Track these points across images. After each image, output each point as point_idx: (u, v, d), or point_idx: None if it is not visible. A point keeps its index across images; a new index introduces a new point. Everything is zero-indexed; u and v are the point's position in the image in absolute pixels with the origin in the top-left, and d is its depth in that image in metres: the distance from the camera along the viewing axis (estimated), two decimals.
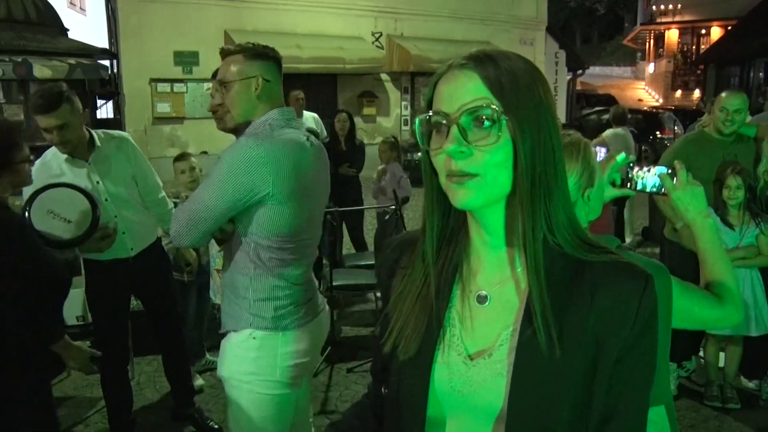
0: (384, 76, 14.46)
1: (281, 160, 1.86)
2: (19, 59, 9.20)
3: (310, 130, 6.11)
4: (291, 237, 1.95)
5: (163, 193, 3.20)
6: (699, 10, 25.68)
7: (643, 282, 0.84)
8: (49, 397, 2.43)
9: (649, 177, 1.66)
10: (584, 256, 0.85)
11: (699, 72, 25.21)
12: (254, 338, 1.96)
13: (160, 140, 11.76)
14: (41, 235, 2.44)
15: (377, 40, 14.23)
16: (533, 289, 0.83)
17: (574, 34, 40.36)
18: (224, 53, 2.02)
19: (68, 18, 11.92)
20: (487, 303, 0.90)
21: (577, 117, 18.69)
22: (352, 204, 5.68)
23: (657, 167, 1.65)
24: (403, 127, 14.99)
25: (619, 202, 6.60)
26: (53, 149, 2.80)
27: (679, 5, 26.69)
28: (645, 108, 19.95)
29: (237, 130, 2.01)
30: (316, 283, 2.21)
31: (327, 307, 2.24)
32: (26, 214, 2.49)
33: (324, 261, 5.32)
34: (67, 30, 10.97)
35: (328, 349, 4.20)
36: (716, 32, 25.09)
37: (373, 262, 5.08)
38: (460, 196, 0.82)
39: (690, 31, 27.27)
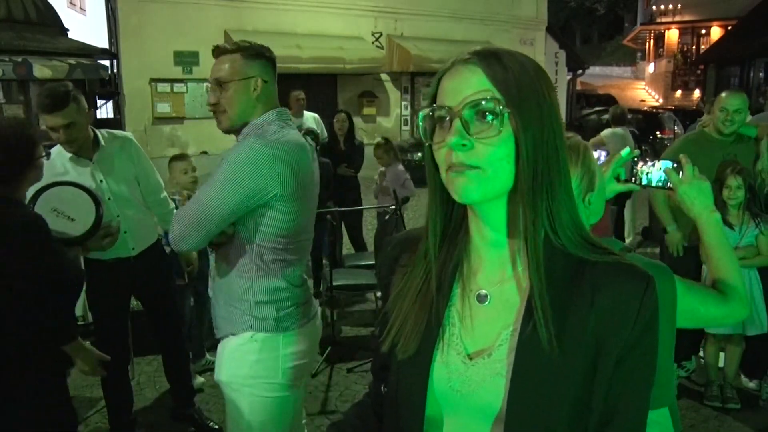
0: (384, 76, 14.46)
1: (287, 161, 1.86)
2: (19, 59, 9.21)
3: (311, 130, 6.13)
4: (293, 237, 1.95)
5: (165, 194, 3.21)
6: (699, 10, 25.68)
7: (645, 283, 0.84)
8: (65, 392, 2.45)
9: (654, 172, 1.63)
10: (587, 255, 0.85)
11: (699, 72, 25.20)
12: (255, 341, 1.94)
13: (160, 140, 11.76)
14: None
15: (377, 40, 14.23)
16: (534, 284, 0.83)
17: (574, 34, 40.35)
18: (219, 51, 1.98)
19: (68, 18, 11.93)
20: (487, 302, 0.90)
21: (577, 117, 18.69)
22: (351, 204, 5.69)
23: (662, 161, 1.62)
24: (403, 127, 14.99)
25: (619, 202, 6.60)
26: (58, 147, 2.81)
27: (679, 5, 26.69)
28: (645, 108, 19.95)
29: (232, 131, 1.99)
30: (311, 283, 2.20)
31: (319, 309, 2.23)
32: None
33: (324, 261, 5.34)
34: (67, 30, 10.98)
35: (328, 349, 4.21)
36: (716, 32, 25.09)
37: (372, 262, 5.08)
38: (460, 189, 0.82)
39: (690, 31, 27.27)
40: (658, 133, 13.59)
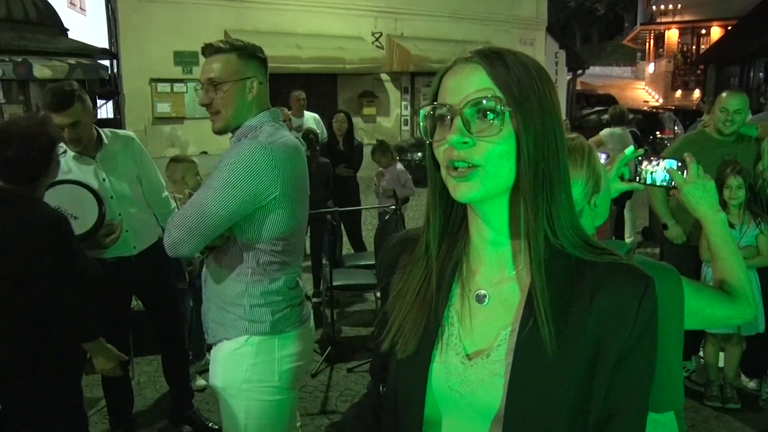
0: (384, 76, 14.45)
1: (285, 163, 1.85)
2: (19, 59, 9.21)
3: (311, 130, 6.13)
4: (289, 239, 1.94)
5: (167, 193, 3.21)
6: (699, 10, 25.67)
7: (644, 284, 0.84)
8: (80, 393, 2.49)
9: (658, 171, 1.61)
10: (585, 256, 0.85)
11: (699, 72, 25.20)
12: (250, 345, 1.92)
13: (160, 140, 11.76)
14: None
15: (377, 40, 14.22)
16: (536, 281, 0.83)
17: (574, 34, 40.35)
18: (212, 50, 1.93)
19: (68, 18, 11.93)
20: (486, 302, 0.90)
21: (577, 117, 18.69)
22: (350, 204, 5.69)
23: (666, 161, 1.60)
24: (403, 127, 14.99)
25: (619, 202, 6.59)
26: (61, 146, 2.83)
27: (679, 5, 26.68)
28: (645, 108, 19.95)
29: (225, 132, 1.95)
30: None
31: (311, 310, 2.22)
32: None
33: (324, 261, 5.33)
34: (67, 30, 10.98)
35: (328, 349, 4.21)
36: (716, 32, 25.09)
37: (372, 262, 5.08)
38: (460, 189, 0.82)
39: (690, 31, 27.26)
40: (658, 133, 13.59)
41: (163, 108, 11.93)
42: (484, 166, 0.81)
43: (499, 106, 0.80)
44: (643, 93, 29.74)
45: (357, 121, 12.33)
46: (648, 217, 7.46)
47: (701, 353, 3.91)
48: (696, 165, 1.56)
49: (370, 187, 5.91)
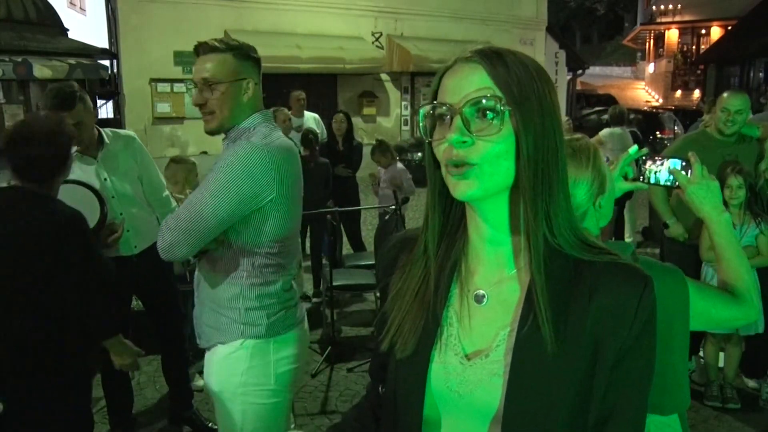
0: (384, 76, 14.44)
1: (281, 165, 1.83)
2: (19, 59, 9.20)
3: (310, 130, 6.13)
4: (285, 241, 1.92)
5: (167, 192, 3.22)
6: (699, 10, 25.67)
7: (642, 283, 0.84)
8: (90, 394, 2.51)
9: (662, 170, 1.60)
10: (584, 256, 0.85)
11: (699, 72, 25.20)
12: (245, 348, 1.90)
13: (160, 140, 11.76)
14: None
15: (377, 40, 14.22)
16: (536, 280, 0.83)
17: (574, 34, 40.35)
18: (207, 49, 1.89)
19: (68, 18, 11.93)
20: (484, 302, 0.90)
21: (577, 117, 18.68)
22: (349, 204, 5.69)
23: (671, 160, 1.59)
24: (403, 127, 14.98)
25: (619, 202, 6.58)
26: None
27: (679, 5, 26.68)
28: (645, 108, 19.95)
29: (218, 133, 1.93)
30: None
31: (306, 312, 2.20)
32: None
33: (324, 261, 5.33)
34: (67, 30, 10.98)
35: (328, 349, 4.21)
36: (716, 32, 25.08)
37: (372, 262, 5.08)
38: (459, 187, 0.82)
39: (690, 31, 27.26)
40: (658, 133, 13.59)
41: (163, 108, 11.92)
42: (486, 165, 0.81)
43: (498, 106, 0.80)
44: (643, 93, 29.74)
45: (357, 121, 12.33)
46: (648, 217, 7.46)
47: (701, 353, 3.91)
48: (700, 165, 1.54)
49: (369, 187, 5.90)
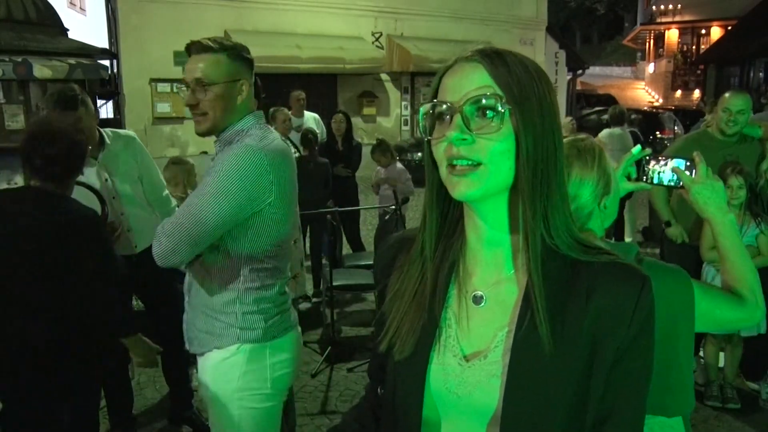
0: (384, 76, 14.44)
1: (279, 167, 1.81)
2: (19, 59, 9.20)
3: (310, 130, 6.12)
4: (282, 244, 1.91)
5: (167, 191, 3.23)
6: (699, 10, 25.67)
7: (640, 283, 0.84)
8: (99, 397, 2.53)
9: (666, 170, 1.59)
10: (581, 257, 0.85)
11: (699, 72, 25.20)
12: (242, 352, 1.87)
13: (160, 140, 11.76)
14: None
15: (377, 40, 14.22)
16: (534, 279, 0.83)
17: (574, 34, 40.35)
18: (200, 48, 1.83)
19: (68, 18, 11.92)
20: (482, 303, 0.89)
21: (577, 117, 18.66)
22: (348, 204, 5.69)
23: (675, 160, 1.58)
24: (403, 127, 14.98)
25: (619, 202, 6.58)
26: None
27: (679, 5, 26.68)
28: (645, 108, 19.95)
29: (210, 134, 1.89)
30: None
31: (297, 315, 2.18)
32: None
33: (324, 261, 5.33)
34: (67, 30, 10.97)
35: (328, 349, 4.21)
36: (716, 32, 25.08)
37: (372, 262, 5.07)
38: (460, 187, 0.82)
39: (690, 31, 27.26)
40: (658, 133, 13.58)
41: (163, 108, 11.92)
42: (486, 164, 0.81)
43: (499, 104, 0.80)
44: (643, 93, 29.73)
45: (357, 121, 12.32)
46: (648, 217, 7.45)
47: (701, 353, 3.91)
48: (705, 165, 1.53)
49: (369, 188, 5.91)
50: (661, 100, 26.30)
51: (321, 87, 13.36)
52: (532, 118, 0.82)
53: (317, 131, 6.15)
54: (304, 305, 5.35)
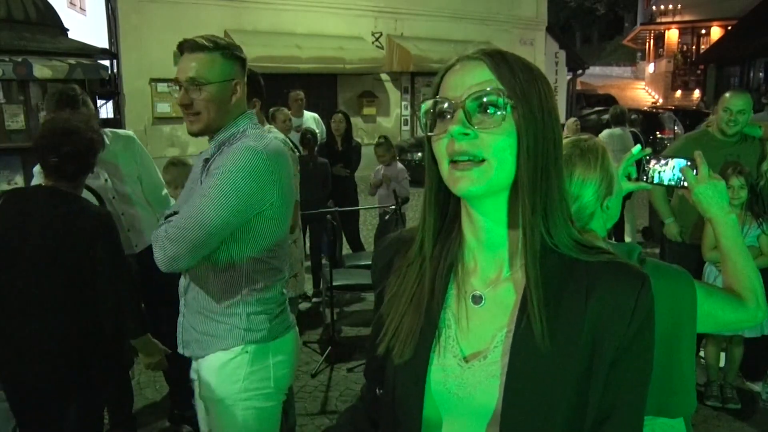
0: (384, 76, 14.44)
1: (280, 167, 1.81)
2: (19, 59, 9.18)
3: (309, 130, 6.12)
4: (280, 244, 1.91)
5: (166, 191, 3.23)
6: (699, 10, 25.68)
7: (640, 281, 0.83)
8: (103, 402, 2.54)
9: (666, 170, 1.58)
10: (580, 256, 0.85)
11: (699, 72, 25.22)
12: (247, 352, 1.86)
13: (160, 140, 11.76)
14: None
15: (377, 40, 14.22)
16: (531, 275, 0.83)
17: (574, 34, 40.36)
18: (193, 47, 1.80)
19: (68, 18, 11.91)
20: (482, 303, 0.89)
21: (577, 117, 18.67)
22: (347, 204, 5.69)
23: (676, 160, 1.57)
24: (403, 127, 14.99)
25: None
26: None
27: (679, 5, 26.69)
28: (645, 108, 19.95)
29: (202, 135, 1.87)
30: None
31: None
32: None
33: (324, 261, 5.34)
34: (67, 30, 10.96)
35: (328, 349, 4.21)
36: (716, 32, 25.10)
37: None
38: (462, 183, 0.82)
39: (690, 31, 27.27)
40: (658, 133, 13.58)
41: (163, 108, 11.92)
42: (490, 160, 0.81)
43: (501, 99, 0.80)
44: (643, 93, 29.74)
45: (357, 121, 12.32)
46: (648, 217, 7.45)
47: (701, 353, 3.91)
48: (706, 165, 1.52)
49: (367, 188, 5.91)
50: (661, 100, 26.29)
51: (321, 87, 13.36)
52: (533, 114, 0.82)
53: (317, 131, 6.15)
54: (304, 305, 5.35)
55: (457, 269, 0.92)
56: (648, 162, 1.60)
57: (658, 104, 24.75)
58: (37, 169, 2.80)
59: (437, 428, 0.91)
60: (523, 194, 0.83)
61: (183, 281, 1.96)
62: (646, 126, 13.14)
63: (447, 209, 0.92)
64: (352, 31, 13.69)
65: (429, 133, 0.85)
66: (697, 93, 24.54)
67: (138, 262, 3.01)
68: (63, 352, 2.17)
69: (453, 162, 0.82)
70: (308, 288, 5.57)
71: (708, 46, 24.93)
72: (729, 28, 22.48)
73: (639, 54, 34.95)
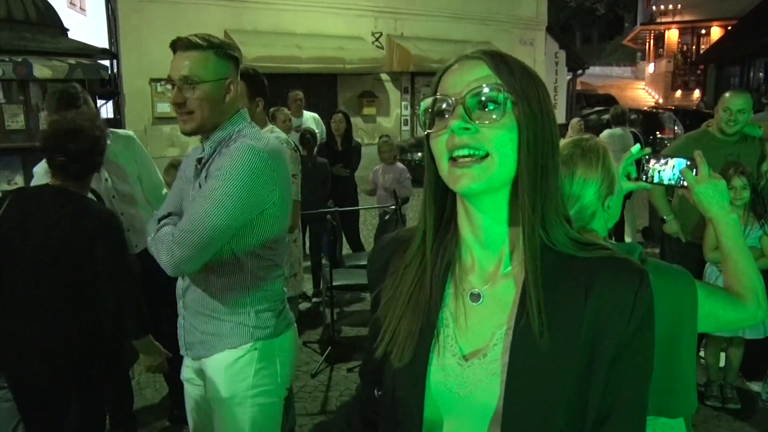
0: (384, 76, 14.45)
1: (280, 165, 1.82)
2: (19, 59, 9.17)
3: (309, 130, 6.12)
4: (282, 240, 1.92)
5: (166, 191, 3.23)
6: (699, 10, 25.68)
7: (639, 277, 0.83)
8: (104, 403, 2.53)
9: (666, 170, 1.57)
10: (577, 253, 0.85)
11: (699, 72, 25.22)
12: (256, 349, 1.87)
13: (160, 140, 11.77)
14: None
15: (377, 40, 14.22)
16: (530, 271, 0.83)
17: (574, 34, 40.36)
18: (187, 45, 1.79)
19: (68, 18, 11.90)
20: (480, 301, 0.89)
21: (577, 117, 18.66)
22: (347, 204, 5.69)
23: (675, 159, 1.57)
24: (403, 127, 14.99)
25: None
26: None
27: (679, 5, 26.69)
28: (645, 108, 19.95)
29: (196, 134, 1.85)
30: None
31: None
32: None
33: (324, 261, 5.34)
34: (67, 30, 10.96)
35: (328, 349, 4.21)
36: (716, 32, 25.10)
37: None
38: (463, 180, 0.82)
39: (690, 31, 27.27)
40: (658, 133, 13.57)
41: (163, 108, 11.91)
42: (493, 155, 0.81)
43: (501, 95, 0.81)
44: (643, 93, 29.74)
45: (357, 121, 12.32)
46: (648, 217, 7.45)
47: (701, 353, 3.91)
48: (706, 165, 1.52)
49: (367, 188, 5.91)
50: (661, 100, 26.29)
51: (321, 87, 13.36)
52: (533, 111, 0.83)
53: (316, 131, 6.15)
54: (304, 305, 5.35)
55: (455, 268, 0.92)
56: (648, 161, 1.60)
57: (656, 104, 24.76)
58: (37, 169, 2.80)
59: (438, 428, 0.91)
60: (523, 192, 0.83)
61: (181, 283, 1.94)
62: (646, 126, 13.13)
63: (444, 208, 0.92)
64: (352, 31, 13.69)
65: (428, 131, 0.85)
66: (697, 93, 24.53)
67: (137, 263, 3.02)
68: (63, 352, 2.17)
69: (452, 159, 0.82)
70: (308, 288, 5.57)
71: (708, 46, 24.93)
72: (729, 28, 22.48)
73: (639, 54, 34.95)
